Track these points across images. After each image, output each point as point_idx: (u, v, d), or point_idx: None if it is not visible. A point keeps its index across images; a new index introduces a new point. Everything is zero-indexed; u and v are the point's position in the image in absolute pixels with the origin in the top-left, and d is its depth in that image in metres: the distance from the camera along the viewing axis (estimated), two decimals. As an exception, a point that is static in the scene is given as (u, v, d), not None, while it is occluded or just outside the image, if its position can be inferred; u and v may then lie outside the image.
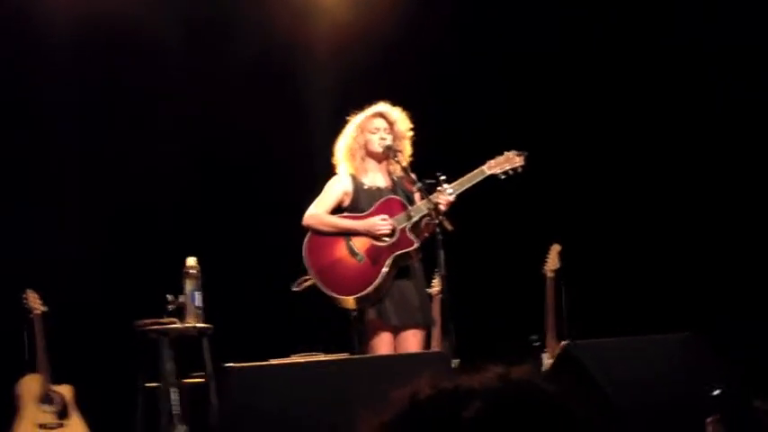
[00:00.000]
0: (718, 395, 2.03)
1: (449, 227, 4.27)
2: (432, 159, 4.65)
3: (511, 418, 0.94)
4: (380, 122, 4.62)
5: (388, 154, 4.60)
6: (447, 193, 4.41)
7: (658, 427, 2.80)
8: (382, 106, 4.65)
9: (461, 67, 6.19)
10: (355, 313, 4.57)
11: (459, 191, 4.47)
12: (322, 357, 4.55)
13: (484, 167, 4.56)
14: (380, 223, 4.51)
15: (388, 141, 4.59)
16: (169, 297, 4.80)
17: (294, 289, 4.65)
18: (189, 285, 4.72)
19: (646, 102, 6.06)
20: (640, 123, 6.06)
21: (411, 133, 4.64)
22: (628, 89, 6.08)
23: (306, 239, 4.54)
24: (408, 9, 6.07)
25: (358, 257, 4.52)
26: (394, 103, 4.68)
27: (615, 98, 6.10)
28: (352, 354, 4.58)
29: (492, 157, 4.57)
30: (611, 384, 3.09)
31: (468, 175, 4.53)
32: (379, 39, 6.03)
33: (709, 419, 2.08)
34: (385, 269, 4.46)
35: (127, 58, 5.92)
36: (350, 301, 4.50)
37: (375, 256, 4.50)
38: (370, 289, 4.45)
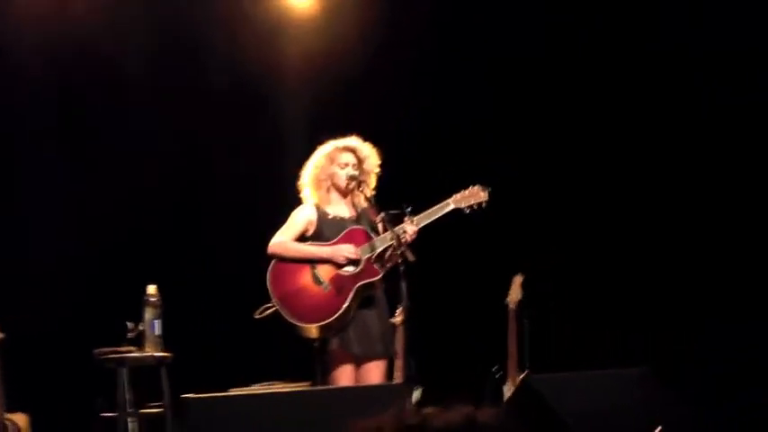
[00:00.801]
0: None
1: (411, 258, 4.28)
2: (396, 189, 4.66)
3: None
4: (350, 157, 4.63)
5: (353, 185, 4.60)
6: (411, 225, 4.43)
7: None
8: (354, 141, 4.66)
9: (430, 96, 6.22)
10: (317, 342, 4.55)
11: (424, 223, 4.51)
12: (283, 388, 4.52)
13: (449, 200, 4.59)
14: (345, 250, 4.51)
15: (355, 173, 4.60)
16: (129, 325, 4.75)
17: (256, 317, 4.63)
18: (149, 313, 4.68)
19: (609, 128, 6.11)
20: (603, 152, 6.11)
21: (378, 170, 4.66)
22: (588, 116, 6.14)
23: (270, 267, 4.54)
24: (378, 35, 6.10)
25: (323, 286, 4.52)
26: (361, 126, 4.69)
27: (575, 126, 6.16)
28: (313, 384, 4.56)
29: (457, 191, 4.61)
30: (569, 416, 3.10)
31: (433, 208, 4.57)
32: (349, 65, 6.06)
33: None
34: (349, 298, 4.46)
35: (96, 88, 5.90)
36: (313, 330, 4.49)
37: (340, 284, 4.50)
38: (333, 317, 4.45)
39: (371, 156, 4.65)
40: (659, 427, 2.03)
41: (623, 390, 3.45)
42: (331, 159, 4.64)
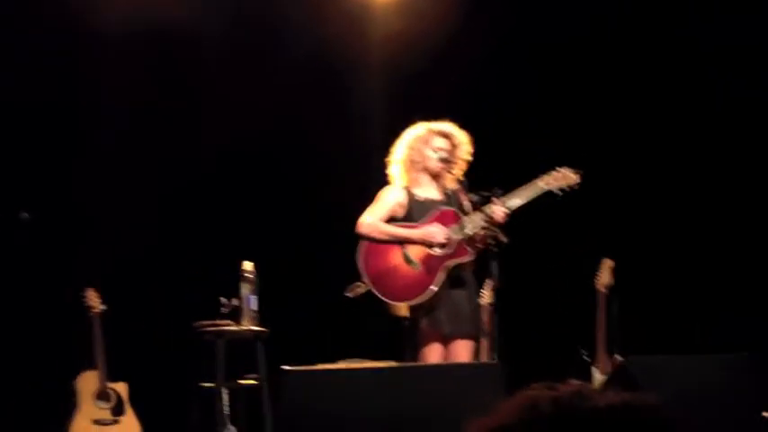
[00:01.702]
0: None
1: (503, 239, 4.29)
2: (481, 173, 4.68)
3: None
4: (443, 143, 4.63)
5: (444, 167, 4.62)
6: (502, 207, 4.44)
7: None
8: (449, 127, 4.64)
9: (511, 77, 6.20)
10: (407, 321, 4.60)
11: (514, 206, 4.50)
12: (369, 364, 4.58)
13: (540, 182, 4.56)
14: (436, 231, 4.54)
15: (445, 155, 4.62)
16: (222, 300, 4.88)
17: (347, 295, 4.71)
18: (245, 289, 4.80)
19: (701, 117, 6.03)
20: (696, 139, 6.04)
21: (470, 157, 4.66)
22: (682, 105, 6.06)
23: (361, 246, 4.57)
24: (459, 16, 6.08)
25: (413, 265, 4.55)
26: (443, 110, 4.70)
27: (669, 113, 6.08)
28: (401, 361, 4.62)
29: (545, 172, 4.59)
30: (664, 402, 3.10)
31: (524, 189, 4.55)
32: (430, 46, 6.05)
33: None
34: (439, 278, 4.50)
35: (182, 63, 5.98)
36: (403, 308, 4.54)
37: (430, 264, 4.53)
38: (424, 297, 4.48)
39: (465, 143, 4.64)
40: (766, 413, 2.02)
41: (720, 375, 3.42)
42: (425, 141, 4.65)
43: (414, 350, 4.60)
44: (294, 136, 6.13)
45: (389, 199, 4.67)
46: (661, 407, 0.98)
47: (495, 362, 4.53)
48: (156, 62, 5.97)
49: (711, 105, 6.01)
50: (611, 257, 5.56)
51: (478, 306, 4.79)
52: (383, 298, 4.52)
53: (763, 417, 2.02)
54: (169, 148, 6.01)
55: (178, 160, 5.99)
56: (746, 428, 2.05)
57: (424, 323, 4.53)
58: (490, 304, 4.97)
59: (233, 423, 4.91)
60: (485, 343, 5.26)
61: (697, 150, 6.03)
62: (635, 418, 0.97)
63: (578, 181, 4.56)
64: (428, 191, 4.69)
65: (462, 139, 4.64)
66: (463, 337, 4.57)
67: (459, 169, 4.63)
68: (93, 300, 5.52)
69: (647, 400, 0.99)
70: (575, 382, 1.00)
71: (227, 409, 4.88)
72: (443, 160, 4.60)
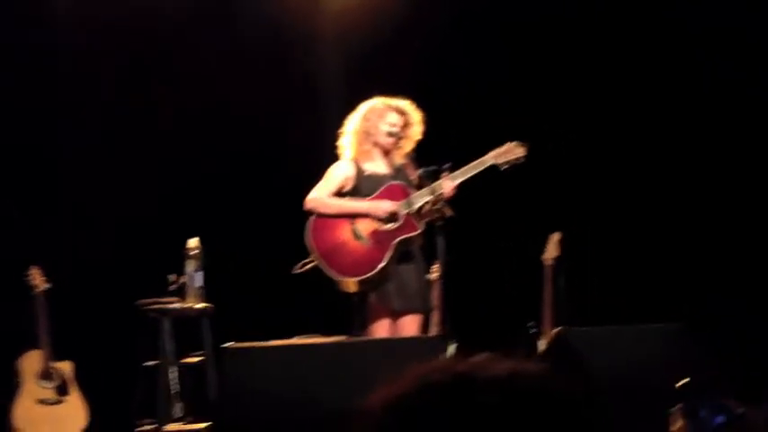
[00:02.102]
0: (683, 386, 2.07)
1: (449, 213, 4.31)
2: (433, 147, 4.67)
3: (527, 411, 0.96)
4: (398, 119, 4.62)
5: (393, 142, 4.61)
6: (450, 182, 4.44)
7: (641, 414, 2.85)
8: (405, 104, 4.64)
9: (467, 53, 6.19)
10: (356, 297, 4.60)
11: (462, 179, 4.52)
12: (321, 339, 4.58)
13: (486, 157, 4.59)
14: (384, 205, 4.54)
15: (396, 130, 4.61)
16: (171, 277, 4.84)
17: (296, 271, 4.68)
18: (190, 265, 4.76)
19: (647, 90, 6.07)
20: (641, 111, 6.08)
21: (420, 138, 4.66)
22: (627, 80, 6.09)
23: (309, 222, 4.56)
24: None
25: (362, 240, 4.55)
26: (400, 86, 4.69)
27: (615, 88, 6.11)
28: (350, 336, 4.62)
29: (494, 147, 4.61)
30: (600, 371, 3.13)
31: (471, 164, 4.57)
32: (388, 21, 6.02)
33: (672, 410, 2.12)
34: (389, 253, 4.49)
35: (134, 40, 5.93)
36: (353, 284, 4.54)
37: (379, 239, 4.53)
38: (374, 272, 4.48)
39: (418, 123, 4.65)
40: (686, 380, 2.06)
41: (657, 344, 3.47)
42: (380, 115, 4.63)
43: (363, 325, 4.60)
44: (244, 111, 6.08)
45: (337, 174, 4.67)
46: (549, 375, 0.98)
47: (438, 334, 4.56)
48: (108, 42, 5.90)
49: (654, 80, 6.04)
50: (558, 231, 5.59)
51: (427, 281, 4.80)
52: (332, 273, 4.52)
53: (677, 388, 2.06)
54: (115, 125, 5.93)
55: (124, 137, 5.92)
56: (673, 396, 2.09)
57: (372, 298, 4.54)
58: (439, 279, 4.99)
59: (179, 400, 4.87)
60: (435, 317, 5.29)
61: (641, 123, 6.07)
62: (524, 386, 0.97)
63: (524, 155, 4.58)
64: (377, 165, 4.69)
65: (416, 118, 4.65)
66: (411, 311, 4.59)
67: (407, 145, 4.61)
68: (37, 278, 5.43)
69: (538, 368, 0.99)
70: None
71: (175, 387, 4.85)
72: (391, 134, 4.59)
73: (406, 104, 4.65)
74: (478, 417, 0.95)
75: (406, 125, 4.62)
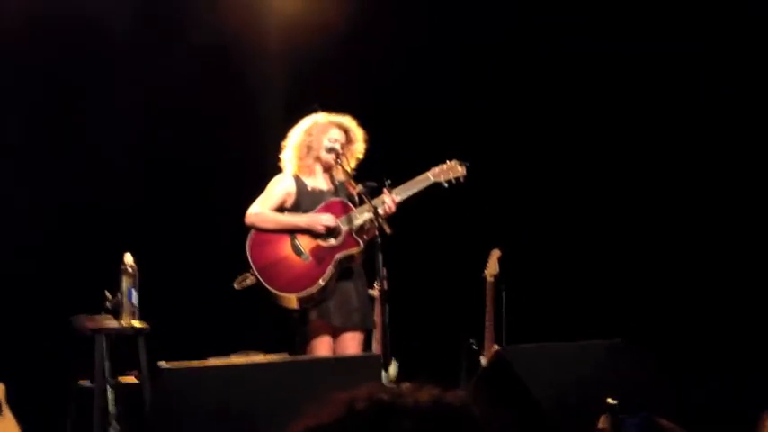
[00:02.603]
0: (610, 406, 2.09)
1: (388, 230, 4.30)
2: (374, 164, 4.67)
3: None
4: (339, 135, 4.63)
5: (333, 159, 4.60)
6: (390, 198, 4.44)
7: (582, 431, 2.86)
8: (349, 121, 4.65)
9: (411, 70, 6.21)
10: (296, 313, 4.56)
11: (403, 197, 4.52)
12: (260, 358, 4.53)
13: (428, 174, 4.61)
14: (323, 219, 4.52)
15: (337, 146, 4.60)
16: (107, 294, 4.74)
17: (235, 286, 4.63)
18: (125, 282, 4.67)
19: (580, 105, 6.15)
20: (578, 125, 6.15)
21: (361, 156, 4.66)
22: (565, 93, 6.16)
23: (249, 236, 4.54)
24: (357, 9, 6.07)
25: (303, 256, 4.52)
26: (339, 99, 4.69)
27: (551, 103, 6.18)
28: (291, 354, 4.58)
29: (435, 165, 4.63)
30: (539, 388, 3.14)
31: (412, 182, 4.59)
32: (330, 34, 6.03)
33: (600, 420, 2.14)
34: (330, 269, 4.48)
35: (74, 50, 5.84)
36: (293, 300, 4.50)
37: (320, 255, 4.51)
38: (314, 288, 4.46)
39: (360, 141, 4.65)
40: (610, 399, 2.07)
41: (594, 361, 3.49)
42: (323, 130, 4.63)
43: (303, 342, 4.57)
44: (185, 125, 6.02)
45: (278, 188, 4.66)
46: (469, 404, 1.00)
47: (376, 353, 4.54)
48: (50, 51, 5.79)
49: (591, 92, 6.12)
50: (498, 247, 5.62)
51: (369, 298, 4.79)
52: (271, 289, 4.48)
53: (608, 403, 2.07)
54: (49, 137, 5.82)
55: (59, 149, 5.81)
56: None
57: (313, 315, 4.52)
58: (380, 296, 4.97)
59: (116, 421, 4.76)
60: (376, 335, 5.27)
61: (579, 139, 6.14)
62: (443, 414, 0.98)
63: (465, 173, 4.62)
64: (318, 181, 4.68)
65: (359, 136, 4.65)
66: (352, 329, 4.58)
67: (349, 162, 4.60)
68: (-33, 296, 5.28)
69: (458, 397, 1.01)
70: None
71: (112, 408, 4.74)
72: (333, 150, 4.57)
73: (349, 121, 4.65)
74: None
75: (348, 142, 4.62)
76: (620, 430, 2.00)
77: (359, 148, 4.65)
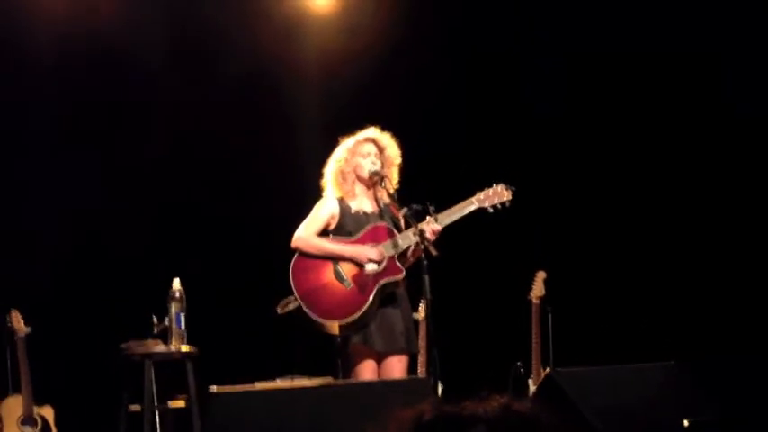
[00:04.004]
0: (688, 427, 2.05)
1: (434, 252, 4.28)
2: (418, 183, 4.67)
3: None
4: (371, 148, 4.63)
5: (376, 180, 4.61)
6: (435, 224, 4.43)
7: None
8: (372, 132, 4.66)
9: (448, 92, 6.22)
10: (339, 338, 4.56)
11: (447, 222, 4.50)
12: (306, 382, 4.53)
13: (473, 199, 4.58)
14: (369, 252, 4.51)
15: (377, 167, 4.60)
16: (154, 318, 4.78)
17: (279, 311, 4.64)
18: (174, 307, 4.70)
19: (634, 127, 6.11)
20: (628, 149, 6.11)
21: (399, 160, 4.66)
22: (615, 115, 6.13)
23: (293, 261, 4.54)
24: (397, 31, 6.10)
25: (345, 283, 4.51)
26: (382, 124, 4.70)
27: (601, 125, 6.15)
28: (335, 379, 4.57)
29: (481, 188, 4.60)
30: (592, 413, 3.10)
31: (457, 207, 4.55)
32: (368, 61, 6.06)
33: None
34: (371, 296, 4.46)
35: (114, 77, 5.93)
36: (335, 327, 4.49)
37: (362, 282, 4.50)
38: (355, 316, 4.44)
39: (391, 145, 4.65)
40: (686, 421, 2.03)
41: (648, 384, 3.44)
42: (352, 152, 4.64)
43: (347, 367, 4.55)
44: (227, 150, 6.08)
45: (323, 211, 4.66)
46: (537, 411, 1.00)
47: (424, 376, 4.52)
48: (86, 77, 5.88)
49: (641, 117, 6.09)
50: (543, 269, 5.59)
51: (414, 321, 4.77)
52: (313, 316, 4.47)
53: (684, 426, 2.03)
54: (96, 164, 5.90)
55: (105, 176, 5.89)
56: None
57: (356, 340, 4.49)
58: (425, 319, 4.95)
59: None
60: (422, 358, 5.25)
61: (625, 158, 6.10)
62: (514, 422, 0.97)
63: (510, 198, 4.58)
64: (362, 202, 4.68)
65: (388, 141, 4.65)
66: (396, 353, 4.55)
67: (390, 179, 4.59)
68: (18, 322, 5.36)
69: (526, 405, 1.01)
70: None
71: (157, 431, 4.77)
72: (374, 173, 4.58)
73: (372, 131, 4.66)
74: None
75: (381, 150, 4.62)
76: None
77: (393, 152, 4.64)
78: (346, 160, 4.63)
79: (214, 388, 3.65)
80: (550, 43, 6.18)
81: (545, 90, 6.18)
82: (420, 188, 4.59)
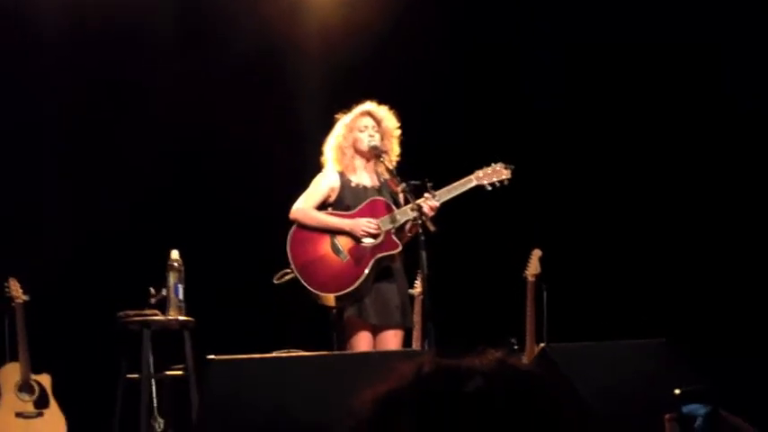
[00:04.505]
0: (678, 394, 2.10)
1: (432, 228, 4.32)
2: (417, 161, 4.70)
3: (509, 394, 0.99)
4: (368, 121, 4.66)
5: (376, 154, 4.63)
6: (433, 200, 4.46)
7: (627, 430, 2.88)
8: (369, 105, 4.69)
9: (449, 68, 6.23)
10: (335, 311, 4.60)
11: (445, 198, 4.53)
12: (301, 353, 4.56)
13: (472, 177, 4.61)
14: (366, 225, 4.54)
15: (376, 140, 4.63)
16: (151, 289, 4.82)
17: (275, 281, 4.68)
18: (172, 278, 4.74)
19: (626, 105, 6.14)
20: (621, 127, 6.14)
21: (398, 132, 4.69)
22: (607, 94, 6.16)
23: (290, 233, 4.57)
24: (399, 9, 6.11)
25: (341, 256, 4.55)
26: (382, 103, 4.72)
27: (596, 105, 6.17)
28: (330, 351, 4.61)
29: (479, 167, 4.63)
30: (585, 387, 3.15)
31: (455, 184, 4.58)
32: (369, 38, 6.07)
33: (667, 416, 2.15)
34: (367, 270, 4.50)
35: (116, 55, 5.94)
36: (330, 299, 4.54)
37: (358, 255, 4.54)
38: (351, 288, 4.48)
39: (388, 117, 4.68)
40: (677, 390, 2.08)
41: (639, 360, 3.49)
42: (350, 127, 4.67)
43: (342, 340, 4.59)
44: (227, 125, 6.09)
45: (323, 184, 4.69)
46: (531, 367, 1.04)
47: (420, 349, 4.56)
48: (87, 55, 5.90)
49: (637, 97, 6.12)
50: (539, 247, 5.62)
51: (409, 296, 4.81)
52: (309, 287, 4.51)
53: (674, 394, 2.09)
54: (95, 138, 5.92)
55: (103, 148, 5.91)
56: (661, 410, 2.11)
57: (351, 313, 4.53)
58: (420, 294, 4.99)
59: (160, 414, 4.84)
60: (416, 333, 5.30)
61: (622, 141, 6.13)
62: (511, 374, 1.02)
63: (510, 176, 4.62)
64: (361, 176, 4.71)
65: (384, 113, 4.68)
66: (391, 327, 4.59)
67: (389, 153, 4.62)
68: (16, 290, 5.39)
69: (521, 361, 1.05)
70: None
71: (154, 401, 4.81)
72: (373, 148, 4.61)
73: (369, 104, 4.69)
74: (467, 404, 0.99)
75: (378, 122, 4.65)
76: (687, 423, 2.02)
77: (390, 124, 4.67)
78: (344, 136, 4.67)
79: (212, 357, 3.69)
80: (551, 34, 6.19)
81: (544, 79, 6.19)
82: (418, 167, 4.61)
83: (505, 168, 4.62)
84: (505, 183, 4.62)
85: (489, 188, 4.61)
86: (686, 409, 1.97)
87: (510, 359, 1.05)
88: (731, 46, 5.86)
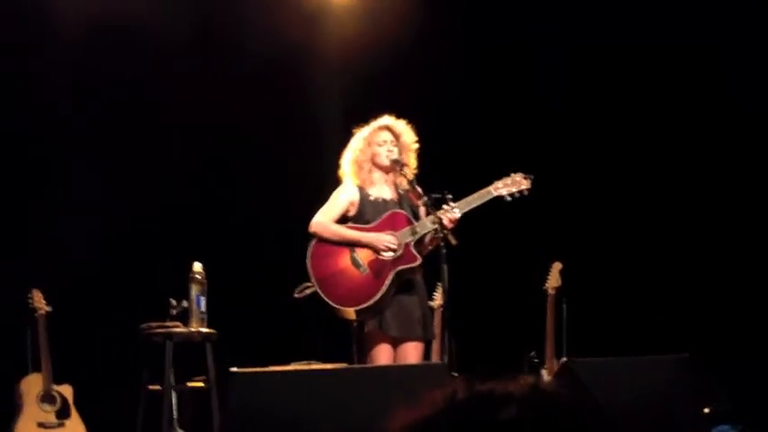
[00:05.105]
0: (708, 413, 2.09)
1: (453, 241, 4.31)
2: (433, 166, 4.70)
3: (543, 423, 1.00)
4: (387, 135, 4.67)
5: (395, 167, 4.64)
6: (452, 212, 4.46)
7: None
8: (387, 119, 4.70)
9: (468, 78, 6.24)
10: (355, 324, 4.60)
11: (465, 210, 4.52)
12: (320, 366, 4.57)
13: (491, 188, 4.59)
14: (386, 239, 4.55)
15: (395, 155, 4.63)
16: (172, 301, 4.84)
17: (295, 296, 4.69)
18: (194, 290, 4.76)
19: (648, 118, 6.12)
20: (642, 141, 6.13)
21: (416, 145, 4.69)
22: (630, 106, 6.15)
23: (310, 247, 4.57)
24: (418, 18, 6.12)
25: (361, 269, 4.55)
26: (401, 113, 4.73)
27: (617, 116, 6.16)
28: (350, 364, 4.61)
29: (496, 173, 4.63)
30: (608, 403, 3.14)
31: (475, 195, 4.57)
32: (389, 47, 6.08)
33: None
34: (387, 283, 4.49)
35: (136, 61, 5.95)
36: (350, 312, 4.53)
37: (378, 269, 4.53)
38: (371, 302, 4.47)
39: (406, 131, 4.68)
40: (707, 409, 2.07)
41: (663, 376, 3.47)
42: (368, 141, 4.67)
43: (362, 352, 4.59)
44: (247, 136, 6.12)
45: (342, 198, 4.69)
46: (560, 390, 1.04)
47: (441, 362, 4.54)
48: (108, 62, 5.92)
49: (657, 110, 6.10)
50: (559, 260, 5.61)
51: (428, 309, 4.80)
52: (329, 301, 4.51)
53: (704, 413, 2.07)
54: (116, 148, 5.95)
55: (125, 159, 5.94)
56: (686, 426, 2.10)
57: (371, 326, 4.53)
58: (441, 307, 4.99)
59: (181, 426, 4.86)
60: (436, 345, 5.29)
61: (643, 155, 6.11)
62: (544, 400, 1.02)
63: (529, 187, 4.60)
64: (381, 189, 4.71)
65: (402, 127, 4.68)
66: (412, 340, 4.58)
67: (409, 166, 4.63)
68: (39, 300, 5.43)
69: (549, 384, 1.05)
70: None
71: (175, 412, 4.83)
72: (394, 162, 4.62)
73: (387, 118, 4.69)
74: (498, 429, 0.99)
75: (396, 136, 4.66)
76: None
77: (408, 138, 4.67)
78: (362, 150, 4.67)
79: (235, 369, 3.70)
80: (557, 36, 6.19)
81: (555, 83, 6.19)
82: (436, 177, 4.62)
83: (525, 179, 4.60)
84: (525, 193, 4.60)
85: (509, 199, 4.59)
86: (716, 430, 1.96)
87: (542, 384, 1.05)
88: (732, 47, 5.83)
